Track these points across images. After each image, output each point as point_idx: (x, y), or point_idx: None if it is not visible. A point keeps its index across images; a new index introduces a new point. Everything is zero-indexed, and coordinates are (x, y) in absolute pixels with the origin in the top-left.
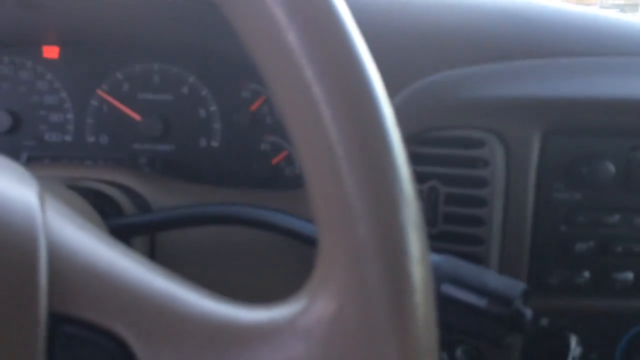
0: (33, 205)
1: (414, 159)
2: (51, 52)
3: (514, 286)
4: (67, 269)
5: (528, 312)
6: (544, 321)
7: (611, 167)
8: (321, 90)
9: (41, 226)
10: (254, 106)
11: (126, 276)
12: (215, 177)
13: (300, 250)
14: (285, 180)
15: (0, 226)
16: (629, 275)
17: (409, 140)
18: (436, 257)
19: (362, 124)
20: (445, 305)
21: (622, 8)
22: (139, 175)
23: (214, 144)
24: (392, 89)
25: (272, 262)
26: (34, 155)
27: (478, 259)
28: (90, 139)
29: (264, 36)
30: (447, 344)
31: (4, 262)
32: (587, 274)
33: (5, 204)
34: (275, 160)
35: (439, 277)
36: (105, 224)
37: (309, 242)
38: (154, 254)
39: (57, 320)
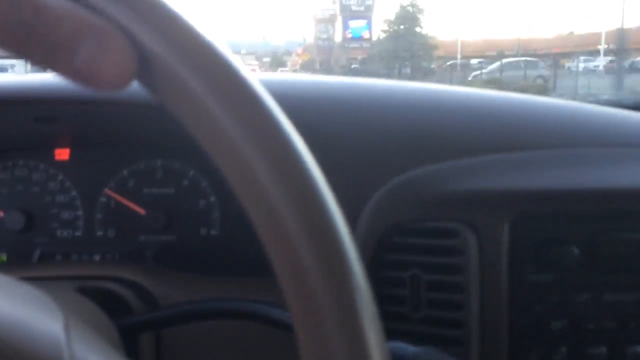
0: (60, 336)
1: (396, 248)
2: (62, 154)
3: None
4: None
5: None
6: None
7: (576, 250)
8: (290, 225)
9: (68, 356)
10: None
11: None
12: (216, 264)
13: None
14: None
15: (31, 358)
16: (603, 350)
17: (391, 231)
18: (414, 349)
19: (330, 261)
20: None
21: None
22: (144, 269)
23: (214, 232)
24: (373, 185)
25: (274, 353)
26: (46, 252)
27: (460, 342)
28: (99, 233)
29: (219, 152)
30: None
31: None
32: (563, 350)
33: (34, 336)
34: None
35: None
36: (115, 324)
37: None
38: (159, 347)
39: None
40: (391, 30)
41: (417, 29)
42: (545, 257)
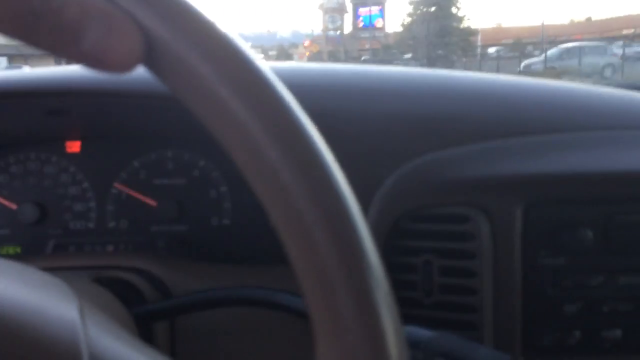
0: (75, 320)
1: (409, 234)
2: (73, 146)
3: (500, 359)
4: None
5: None
6: None
7: (589, 233)
8: (306, 222)
9: (83, 340)
10: None
11: None
12: (228, 253)
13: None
14: None
15: (46, 342)
16: (618, 333)
17: (403, 217)
18: (430, 334)
19: (348, 254)
20: None
21: None
22: (157, 259)
23: (226, 222)
24: (384, 171)
25: (287, 340)
26: (60, 243)
27: (473, 326)
28: (112, 224)
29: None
30: None
31: None
32: (578, 334)
33: (50, 320)
34: None
35: (432, 352)
36: (130, 312)
37: None
38: (174, 334)
39: None
40: (419, 12)
41: (453, 10)
42: (558, 241)
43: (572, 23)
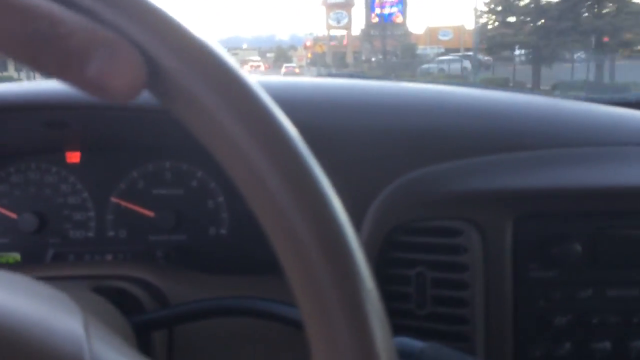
0: (80, 335)
1: (402, 247)
2: (73, 157)
3: None
4: None
5: None
6: None
7: (578, 247)
8: (304, 242)
9: (88, 354)
10: None
11: None
12: (225, 263)
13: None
14: None
15: (52, 355)
16: (607, 345)
17: (397, 230)
18: (421, 344)
19: (339, 267)
20: None
21: None
22: (156, 269)
23: (223, 231)
24: (378, 184)
25: (284, 350)
26: (60, 252)
27: (465, 337)
28: (110, 233)
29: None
30: None
31: None
32: (568, 345)
33: (56, 333)
34: None
35: None
36: (128, 321)
37: None
38: (173, 342)
39: None
40: None
41: None
42: (548, 254)
43: None
